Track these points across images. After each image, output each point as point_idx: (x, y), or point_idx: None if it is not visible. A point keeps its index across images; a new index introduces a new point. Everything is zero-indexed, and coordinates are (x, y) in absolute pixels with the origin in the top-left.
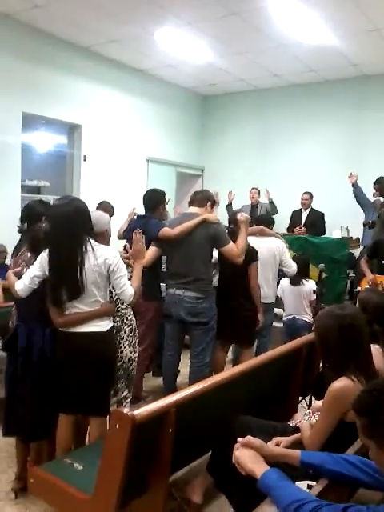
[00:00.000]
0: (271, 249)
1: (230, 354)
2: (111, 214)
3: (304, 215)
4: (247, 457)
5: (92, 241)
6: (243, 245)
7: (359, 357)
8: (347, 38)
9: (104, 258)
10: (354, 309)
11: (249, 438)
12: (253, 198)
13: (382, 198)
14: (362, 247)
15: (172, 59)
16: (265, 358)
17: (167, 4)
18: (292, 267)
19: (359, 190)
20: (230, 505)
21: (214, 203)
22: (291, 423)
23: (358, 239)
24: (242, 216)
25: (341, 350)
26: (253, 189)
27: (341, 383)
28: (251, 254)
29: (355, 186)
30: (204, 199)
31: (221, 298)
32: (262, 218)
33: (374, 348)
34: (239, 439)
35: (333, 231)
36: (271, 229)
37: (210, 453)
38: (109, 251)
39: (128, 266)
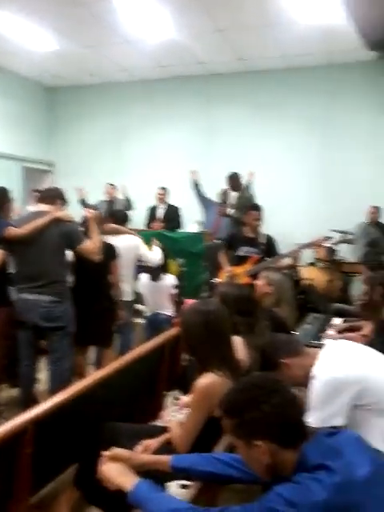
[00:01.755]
0: (128, 246)
1: (92, 357)
2: None
3: (161, 210)
4: (114, 470)
5: None
6: (97, 241)
7: (224, 351)
8: (193, 36)
9: None
10: (216, 304)
11: (115, 450)
12: (108, 193)
13: (232, 192)
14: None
15: (13, 47)
16: (130, 357)
17: None
18: (154, 259)
19: (199, 188)
20: None
21: (64, 201)
22: (159, 423)
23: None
24: (89, 212)
25: (206, 345)
26: (108, 184)
27: (207, 379)
28: (111, 251)
29: (197, 183)
30: (55, 196)
31: (80, 299)
32: (115, 215)
33: (236, 339)
34: (104, 453)
35: (188, 225)
36: (126, 225)
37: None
38: None
39: None
